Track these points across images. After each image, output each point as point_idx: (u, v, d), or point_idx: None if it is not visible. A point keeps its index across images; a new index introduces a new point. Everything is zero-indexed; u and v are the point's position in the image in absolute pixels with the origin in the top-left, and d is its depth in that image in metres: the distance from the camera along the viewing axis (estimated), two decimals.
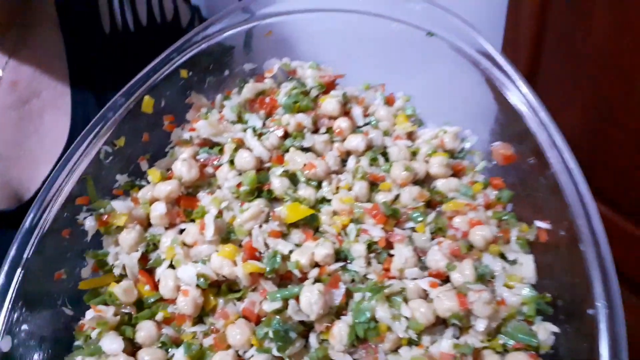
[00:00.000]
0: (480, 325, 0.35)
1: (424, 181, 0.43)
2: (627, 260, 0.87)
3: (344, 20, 0.43)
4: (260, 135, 0.42)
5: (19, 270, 0.32)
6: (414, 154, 0.44)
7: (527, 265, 0.37)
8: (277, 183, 0.40)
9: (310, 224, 0.39)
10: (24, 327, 0.33)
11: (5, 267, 0.32)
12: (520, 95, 0.38)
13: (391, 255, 0.38)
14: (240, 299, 0.36)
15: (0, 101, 0.53)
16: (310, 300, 0.34)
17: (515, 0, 0.99)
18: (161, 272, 0.37)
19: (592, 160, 0.93)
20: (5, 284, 0.32)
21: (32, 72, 0.54)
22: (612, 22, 0.85)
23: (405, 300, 0.36)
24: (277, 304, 0.35)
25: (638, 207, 0.90)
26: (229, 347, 0.34)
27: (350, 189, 0.40)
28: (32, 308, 0.33)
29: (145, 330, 0.35)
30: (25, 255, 0.33)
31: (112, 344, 0.33)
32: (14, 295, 0.32)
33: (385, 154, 0.43)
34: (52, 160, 0.54)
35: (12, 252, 0.33)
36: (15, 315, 0.32)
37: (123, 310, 0.36)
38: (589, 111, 0.94)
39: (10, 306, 0.32)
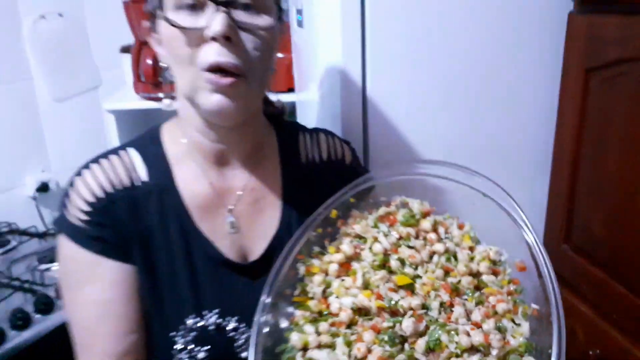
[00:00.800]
0: (494, 352, 0.66)
1: (475, 275, 0.75)
2: None
3: (435, 180, 0.78)
4: (386, 236, 0.77)
5: (273, 286, 0.69)
6: (471, 259, 0.76)
7: (524, 327, 0.68)
8: (394, 263, 0.73)
9: (410, 288, 0.72)
10: (269, 315, 0.69)
11: (268, 286, 0.69)
12: (531, 234, 0.71)
13: (452, 311, 0.70)
14: (370, 319, 0.70)
15: (245, 199, 0.88)
16: (407, 325, 0.66)
17: (559, 150, 1.30)
18: (332, 299, 0.71)
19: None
20: (267, 294, 0.69)
21: (262, 182, 0.89)
22: (624, 158, 1.09)
23: (457, 334, 0.67)
24: (390, 324, 0.68)
25: None
26: (363, 341, 0.68)
27: (433, 272, 0.74)
28: (272, 307, 0.69)
29: (323, 326, 0.69)
30: (276, 279, 0.70)
31: (310, 328, 0.68)
32: (270, 300, 0.69)
33: (455, 257, 0.76)
34: (267, 238, 0.88)
35: (272, 276, 0.70)
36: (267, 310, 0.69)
37: (312, 315, 0.71)
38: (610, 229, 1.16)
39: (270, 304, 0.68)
